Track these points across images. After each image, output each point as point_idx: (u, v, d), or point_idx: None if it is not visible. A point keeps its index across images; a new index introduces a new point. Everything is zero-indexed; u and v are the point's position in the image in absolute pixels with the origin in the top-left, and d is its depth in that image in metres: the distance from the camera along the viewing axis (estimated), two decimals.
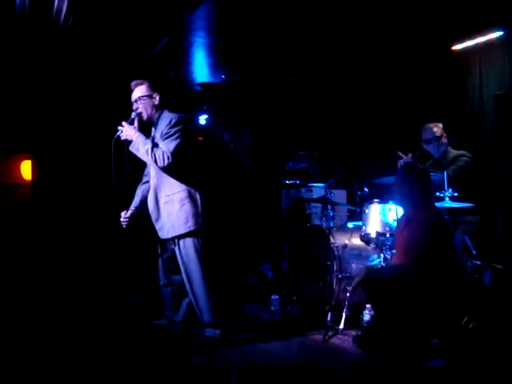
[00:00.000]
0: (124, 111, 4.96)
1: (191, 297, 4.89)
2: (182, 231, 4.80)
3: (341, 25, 6.28)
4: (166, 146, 4.65)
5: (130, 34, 6.12)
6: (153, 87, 4.95)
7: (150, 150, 4.63)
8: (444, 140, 5.89)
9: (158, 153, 4.62)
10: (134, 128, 4.75)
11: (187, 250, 4.82)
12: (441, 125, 5.92)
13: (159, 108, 4.94)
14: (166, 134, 4.71)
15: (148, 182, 5.10)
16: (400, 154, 5.93)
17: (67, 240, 6.91)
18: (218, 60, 7.47)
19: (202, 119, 8.63)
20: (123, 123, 4.73)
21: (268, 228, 8.12)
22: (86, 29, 5.82)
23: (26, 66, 6.59)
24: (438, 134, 5.86)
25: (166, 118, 4.83)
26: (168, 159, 4.61)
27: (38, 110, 7.04)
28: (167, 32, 6.21)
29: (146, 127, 4.94)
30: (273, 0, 5.67)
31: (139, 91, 4.92)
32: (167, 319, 5.22)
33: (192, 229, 4.80)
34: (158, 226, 4.96)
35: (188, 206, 4.81)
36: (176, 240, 4.84)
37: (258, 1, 5.71)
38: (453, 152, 5.84)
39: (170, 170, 4.73)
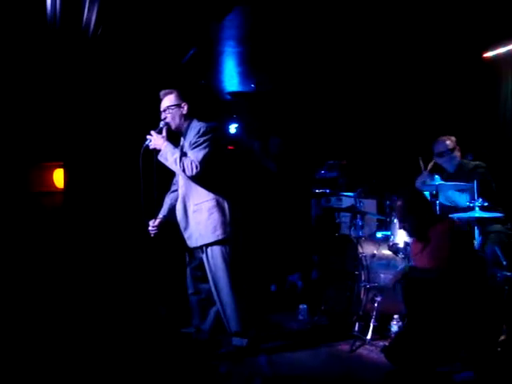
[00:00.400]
0: (153, 120, 5.00)
1: (219, 305, 4.89)
2: (211, 240, 4.81)
3: (374, 33, 6.27)
4: (195, 156, 4.67)
5: (158, 44, 6.19)
6: (182, 97, 4.97)
7: (178, 159, 4.66)
8: (457, 153, 5.81)
9: (187, 162, 4.65)
10: (163, 137, 4.78)
11: (215, 258, 4.83)
12: (454, 138, 5.84)
13: (188, 117, 4.96)
14: (195, 143, 4.73)
15: (176, 190, 5.12)
16: (421, 162, 5.87)
17: (97, 248, 6.99)
18: (247, 69, 7.51)
19: (233, 128, 8.66)
20: (152, 132, 4.77)
21: (298, 237, 8.11)
22: (115, 39, 5.91)
23: (58, 75, 6.70)
24: (450, 147, 5.78)
25: (195, 128, 4.85)
26: (196, 168, 4.63)
27: (70, 119, 7.14)
28: (196, 41, 6.26)
29: (175, 137, 4.97)
30: (303, 8, 5.69)
31: (168, 101, 4.95)
32: (194, 327, 5.22)
33: (220, 238, 4.81)
34: (186, 235, 4.98)
35: (216, 215, 4.82)
36: (204, 248, 4.85)
37: (286, 10, 5.74)
38: (469, 163, 5.76)
39: (199, 179, 4.75)
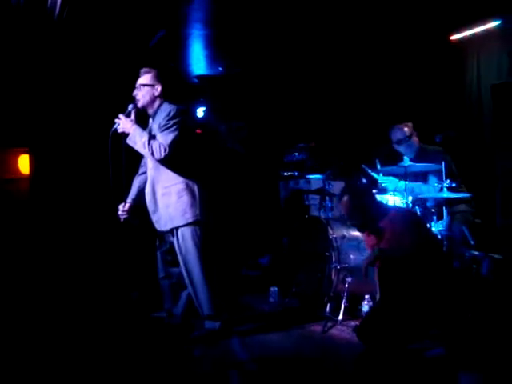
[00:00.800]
0: (121, 104, 4.94)
1: (190, 289, 4.88)
2: (180, 223, 4.79)
3: (337, 15, 6.29)
4: (164, 138, 4.64)
5: (126, 26, 6.12)
6: (158, 78, 4.93)
7: (146, 143, 4.62)
8: (415, 138, 5.84)
9: (155, 145, 4.61)
10: (131, 120, 4.73)
11: (185, 241, 4.81)
12: (410, 124, 5.87)
13: (159, 99, 4.92)
14: (164, 125, 4.70)
15: (145, 173, 5.09)
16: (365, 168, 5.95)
17: (65, 234, 6.91)
18: (214, 52, 7.47)
19: (200, 111, 8.62)
20: (120, 116, 4.72)
21: (266, 220, 8.13)
22: (81, 21, 5.81)
23: (22, 58, 6.57)
24: (408, 134, 5.80)
25: (165, 110, 4.81)
26: (165, 151, 4.60)
27: (35, 104, 7.01)
28: (164, 24, 6.20)
29: (143, 119, 4.93)
30: None
31: (144, 79, 4.90)
32: (166, 312, 5.21)
33: (190, 220, 4.79)
34: (155, 219, 4.95)
35: (186, 198, 4.80)
36: (174, 231, 4.83)
37: None
38: (428, 148, 5.81)
39: (168, 162, 4.72)
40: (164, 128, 4.68)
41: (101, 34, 6.21)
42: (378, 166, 5.80)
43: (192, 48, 7.33)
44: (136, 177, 5.23)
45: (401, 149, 5.88)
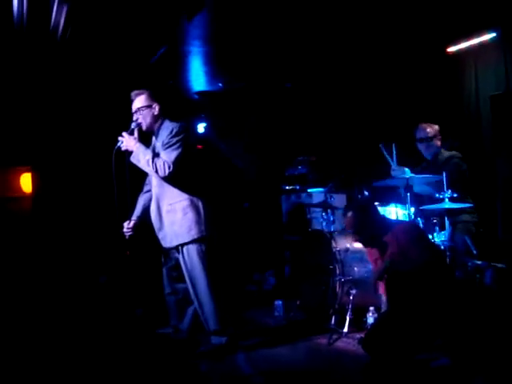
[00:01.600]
0: (124, 121, 4.99)
1: (196, 304, 4.90)
2: (186, 239, 4.82)
3: (336, 29, 6.34)
4: (167, 156, 4.68)
5: (127, 44, 6.17)
6: (153, 97, 4.97)
7: (150, 161, 4.66)
8: (437, 142, 5.91)
9: (159, 163, 4.65)
10: (135, 138, 4.77)
11: (191, 257, 4.84)
12: (436, 126, 5.95)
13: (159, 118, 4.96)
14: (167, 143, 4.74)
15: (149, 191, 5.12)
16: (383, 149, 5.95)
17: (69, 251, 6.92)
18: (214, 68, 7.53)
19: (201, 127, 8.67)
20: (123, 134, 4.76)
21: (269, 234, 8.15)
22: (84, 40, 5.87)
23: (25, 78, 6.62)
24: (430, 135, 5.89)
25: (167, 128, 4.85)
26: (169, 169, 4.64)
27: (38, 122, 7.05)
28: (164, 41, 6.26)
29: (146, 137, 4.97)
30: (267, 8, 5.74)
31: (139, 102, 4.94)
32: (172, 328, 5.23)
33: (195, 237, 4.82)
34: (160, 236, 4.98)
35: (191, 215, 4.83)
36: (180, 248, 4.86)
37: (252, 10, 5.78)
38: (445, 154, 5.87)
39: (172, 179, 4.76)
40: (167, 146, 4.73)
41: (103, 52, 6.26)
42: (394, 153, 5.79)
43: (192, 64, 7.39)
44: (141, 195, 5.26)
45: (421, 147, 5.98)
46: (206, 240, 4.89)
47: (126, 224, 5.04)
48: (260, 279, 7.87)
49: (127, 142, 4.74)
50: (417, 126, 6.03)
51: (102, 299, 6.45)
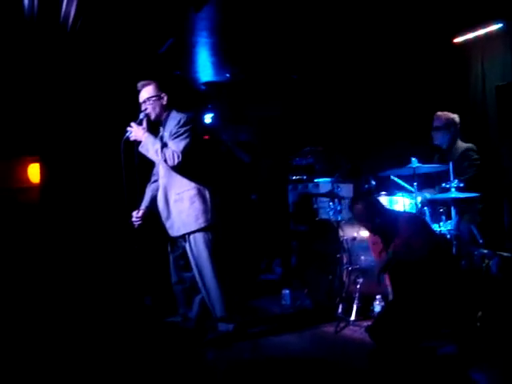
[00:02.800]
0: (132, 112, 5.03)
1: (203, 292, 4.95)
2: (193, 228, 4.88)
3: (342, 20, 6.35)
4: (176, 146, 4.73)
5: (136, 35, 6.19)
6: (160, 87, 5.02)
7: (159, 150, 4.71)
8: (453, 130, 5.91)
9: (168, 152, 4.70)
10: (143, 129, 4.82)
11: (198, 246, 4.89)
12: (455, 115, 5.95)
13: (167, 108, 5.01)
14: (176, 133, 4.79)
15: (157, 180, 5.17)
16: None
17: (79, 241, 6.97)
18: (221, 59, 7.55)
19: (208, 118, 8.69)
20: (132, 124, 4.81)
21: (276, 224, 8.18)
22: (93, 31, 5.89)
23: (34, 68, 6.65)
24: (445, 123, 5.91)
25: (175, 118, 4.90)
26: (178, 158, 4.69)
27: (46, 113, 7.07)
28: (172, 32, 6.28)
29: (154, 127, 5.01)
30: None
31: (147, 92, 4.99)
32: (181, 316, 5.29)
33: (203, 225, 4.88)
34: (168, 225, 5.03)
35: (198, 204, 4.88)
36: (187, 237, 4.92)
37: (259, 1, 5.80)
38: (461, 145, 5.90)
39: (180, 168, 4.81)
40: (176, 135, 4.78)
41: (111, 43, 6.29)
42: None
43: (199, 55, 7.41)
44: (148, 185, 5.31)
45: (437, 135, 5.99)
46: (212, 229, 4.94)
47: (134, 213, 5.10)
48: (267, 268, 7.91)
49: (136, 132, 4.79)
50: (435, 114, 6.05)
51: (111, 289, 6.50)
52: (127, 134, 4.82)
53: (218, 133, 8.54)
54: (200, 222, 4.88)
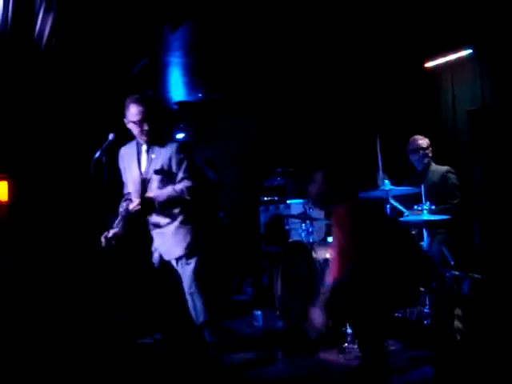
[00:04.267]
0: (103, 130, 4.97)
1: (191, 305, 4.90)
2: (180, 254, 4.84)
3: (315, 43, 6.43)
4: (190, 181, 4.77)
5: (111, 54, 6.16)
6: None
7: (175, 194, 4.74)
8: (429, 153, 6.13)
9: (185, 190, 4.74)
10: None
11: (185, 269, 4.86)
12: (428, 140, 6.17)
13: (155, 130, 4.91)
14: (181, 165, 4.79)
15: (130, 199, 5.10)
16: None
17: (47, 259, 6.84)
18: (194, 79, 7.57)
19: (180, 137, 8.67)
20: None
21: (247, 244, 8.16)
22: (67, 50, 5.84)
23: (3, 85, 6.55)
24: (423, 146, 6.11)
25: (169, 146, 4.83)
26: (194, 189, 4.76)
27: (14, 130, 6.96)
28: (146, 52, 6.28)
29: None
30: (247, 21, 5.81)
31: (140, 110, 4.79)
32: (153, 338, 5.23)
33: (188, 251, 4.85)
34: (156, 249, 4.98)
35: (183, 230, 4.86)
36: (176, 260, 4.88)
37: (232, 22, 5.84)
38: (437, 168, 6.10)
39: None
40: (184, 169, 4.79)
41: (86, 62, 6.24)
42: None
43: (172, 75, 7.42)
44: (121, 204, 5.23)
45: (414, 158, 6.19)
46: (198, 252, 4.92)
47: (105, 234, 5.00)
48: (238, 288, 7.86)
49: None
50: (411, 138, 6.26)
51: (83, 308, 6.39)
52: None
53: (192, 152, 8.51)
54: (185, 248, 4.85)
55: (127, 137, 4.96)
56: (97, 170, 4.73)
